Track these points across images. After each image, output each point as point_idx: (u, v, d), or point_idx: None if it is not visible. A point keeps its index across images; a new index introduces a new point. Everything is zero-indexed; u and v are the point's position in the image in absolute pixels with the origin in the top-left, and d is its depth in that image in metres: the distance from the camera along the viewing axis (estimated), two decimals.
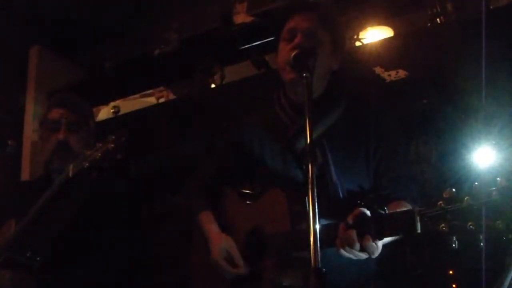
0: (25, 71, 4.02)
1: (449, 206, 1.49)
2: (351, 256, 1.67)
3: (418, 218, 1.54)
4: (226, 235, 2.02)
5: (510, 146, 2.15)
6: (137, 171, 3.35)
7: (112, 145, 2.12)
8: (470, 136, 2.32)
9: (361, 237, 1.62)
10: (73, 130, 2.47)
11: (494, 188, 1.43)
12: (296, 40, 1.93)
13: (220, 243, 2.00)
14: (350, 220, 1.66)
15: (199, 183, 2.25)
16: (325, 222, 1.67)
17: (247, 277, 1.95)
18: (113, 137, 2.14)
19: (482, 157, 2.17)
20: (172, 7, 3.74)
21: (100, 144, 2.16)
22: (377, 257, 1.77)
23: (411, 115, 2.63)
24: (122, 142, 2.13)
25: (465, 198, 1.47)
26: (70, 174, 2.21)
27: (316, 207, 1.44)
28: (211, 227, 2.07)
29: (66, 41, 4.01)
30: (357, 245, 1.63)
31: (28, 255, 2.22)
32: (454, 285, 2.40)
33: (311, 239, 1.40)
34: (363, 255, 1.66)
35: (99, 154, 2.14)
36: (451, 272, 2.42)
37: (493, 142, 2.18)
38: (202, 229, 2.09)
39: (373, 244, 1.62)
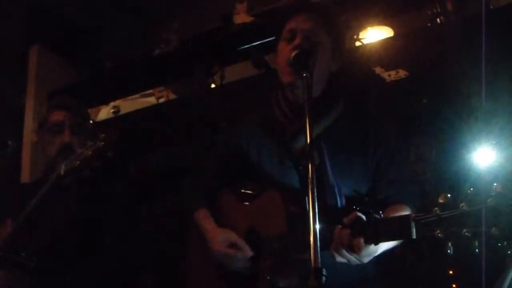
0: (25, 71, 4.01)
1: (445, 213, 1.49)
2: (343, 259, 1.68)
3: (413, 224, 1.54)
4: (223, 228, 2.02)
5: (510, 146, 2.15)
6: (137, 171, 3.35)
7: (102, 143, 2.13)
8: (470, 136, 2.31)
9: (353, 237, 1.63)
10: (76, 132, 2.48)
11: (490, 194, 1.43)
12: (296, 41, 1.92)
13: (218, 235, 2.00)
14: (345, 221, 1.67)
15: (196, 183, 2.25)
16: (321, 224, 1.67)
17: (244, 278, 1.94)
18: (103, 135, 2.15)
19: (482, 157, 2.17)
20: (172, 7, 3.75)
21: (91, 143, 2.17)
22: (377, 258, 1.78)
23: (411, 115, 2.63)
24: (112, 140, 2.14)
25: (461, 205, 1.47)
26: (62, 172, 2.21)
27: (316, 207, 1.44)
28: (207, 223, 2.07)
29: (66, 41, 4.02)
30: (349, 246, 1.63)
31: (23, 255, 2.22)
32: (454, 285, 2.40)
33: (311, 239, 1.40)
34: (354, 259, 1.66)
35: (90, 153, 2.15)
36: (451, 272, 2.42)
37: (493, 142, 2.18)
38: (199, 226, 2.09)
39: (363, 245, 1.62)
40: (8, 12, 3.69)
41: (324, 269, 1.37)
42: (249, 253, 1.93)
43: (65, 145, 2.44)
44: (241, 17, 3.47)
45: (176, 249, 3.00)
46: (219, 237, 1.98)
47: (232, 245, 1.95)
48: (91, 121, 2.73)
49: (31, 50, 4.05)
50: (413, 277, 2.49)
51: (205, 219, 2.09)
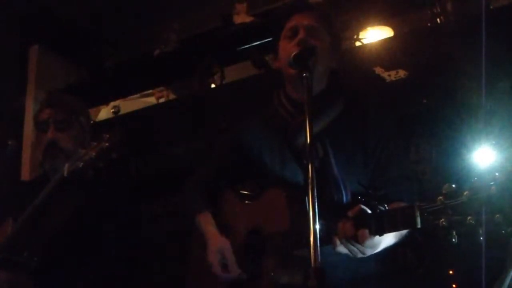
0: (25, 71, 4.01)
1: (449, 201, 1.49)
2: (347, 251, 1.68)
3: (418, 213, 1.54)
4: (224, 238, 2.01)
5: (510, 146, 2.15)
6: (137, 171, 3.35)
7: (107, 144, 2.11)
8: (470, 136, 2.32)
9: (357, 229, 1.63)
10: (61, 129, 2.46)
11: (493, 182, 1.43)
12: (300, 35, 1.95)
13: (217, 245, 1.99)
14: (349, 214, 1.67)
15: (198, 184, 2.24)
16: (325, 218, 1.66)
17: (247, 275, 1.95)
18: (108, 135, 2.13)
19: (482, 157, 2.17)
20: (172, 7, 3.74)
21: (95, 143, 2.15)
22: (377, 257, 1.78)
23: (411, 115, 2.63)
24: (117, 141, 2.12)
25: (465, 193, 1.48)
26: (65, 173, 2.20)
27: (316, 207, 1.44)
28: (210, 228, 2.06)
29: (66, 41, 4.02)
30: (354, 237, 1.63)
31: (25, 255, 2.21)
32: (454, 285, 2.40)
33: (311, 238, 1.40)
34: (358, 251, 1.66)
35: (94, 154, 2.12)
36: (451, 272, 2.42)
37: (493, 142, 2.18)
38: (201, 230, 2.09)
39: (369, 237, 1.62)
40: (8, 12, 3.69)
41: (324, 269, 1.36)
42: (235, 275, 1.92)
43: (50, 143, 2.43)
44: (241, 17, 3.47)
45: (177, 250, 3.01)
46: (216, 247, 1.98)
47: (223, 260, 1.95)
48: (85, 115, 2.65)
49: (31, 50, 4.05)
50: (413, 277, 2.49)
51: (207, 224, 2.08)
